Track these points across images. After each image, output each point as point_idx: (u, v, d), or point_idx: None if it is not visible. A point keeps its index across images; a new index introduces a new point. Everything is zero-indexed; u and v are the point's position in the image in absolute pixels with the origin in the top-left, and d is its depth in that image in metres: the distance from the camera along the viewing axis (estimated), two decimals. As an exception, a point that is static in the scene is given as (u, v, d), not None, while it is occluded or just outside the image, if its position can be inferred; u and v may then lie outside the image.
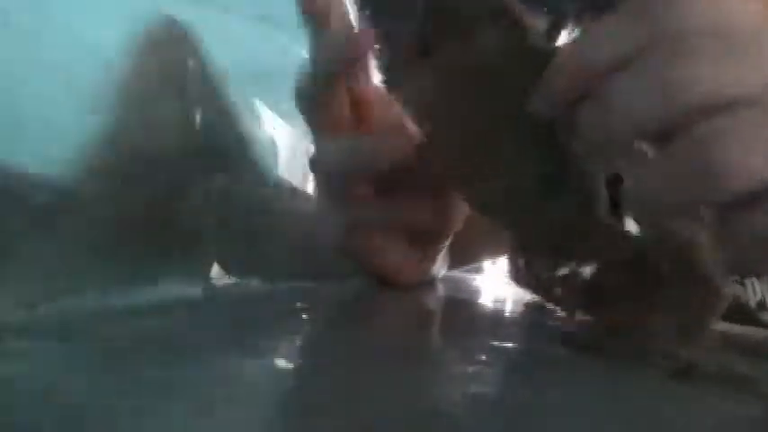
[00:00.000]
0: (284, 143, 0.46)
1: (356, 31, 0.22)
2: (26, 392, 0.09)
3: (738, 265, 0.21)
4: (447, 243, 0.33)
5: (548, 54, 0.18)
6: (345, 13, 0.22)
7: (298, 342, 0.17)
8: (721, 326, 0.29)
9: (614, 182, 0.20)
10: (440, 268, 0.46)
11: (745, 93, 0.16)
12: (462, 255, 0.56)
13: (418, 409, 0.10)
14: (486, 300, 0.38)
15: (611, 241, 0.20)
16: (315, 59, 0.23)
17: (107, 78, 0.26)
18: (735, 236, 0.17)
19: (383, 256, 0.28)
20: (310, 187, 0.48)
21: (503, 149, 0.20)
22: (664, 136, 0.16)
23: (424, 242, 0.31)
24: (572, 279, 0.21)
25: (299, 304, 0.26)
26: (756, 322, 0.50)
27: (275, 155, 0.46)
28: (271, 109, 0.43)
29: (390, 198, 0.25)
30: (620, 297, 0.20)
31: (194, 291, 0.23)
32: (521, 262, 0.27)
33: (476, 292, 0.45)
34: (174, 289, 0.22)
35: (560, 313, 0.23)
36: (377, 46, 0.21)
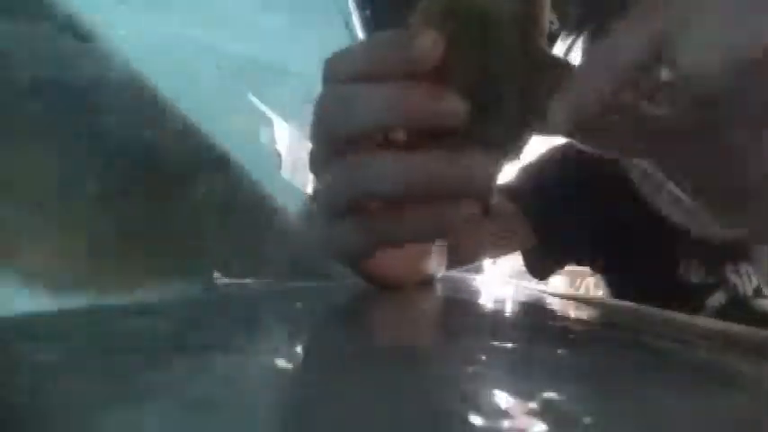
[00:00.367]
0: (284, 143, 0.46)
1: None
2: (27, 392, 0.09)
3: None
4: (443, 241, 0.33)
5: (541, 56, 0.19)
6: None
7: (298, 342, 0.17)
8: (721, 326, 0.29)
9: None
10: (439, 268, 0.46)
11: None
12: (462, 255, 0.56)
13: (418, 410, 0.10)
14: (486, 300, 0.38)
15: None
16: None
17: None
18: None
19: (378, 258, 0.28)
20: (310, 187, 0.48)
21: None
22: None
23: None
24: None
25: (298, 304, 0.26)
26: (753, 313, 0.51)
27: (277, 154, 0.46)
28: (271, 108, 0.43)
29: (398, 211, 0.23)
30: None
31: (194, 291, 0.23)
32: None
33: (476, 292, 0.45)
34: (175, 289, 0.22)
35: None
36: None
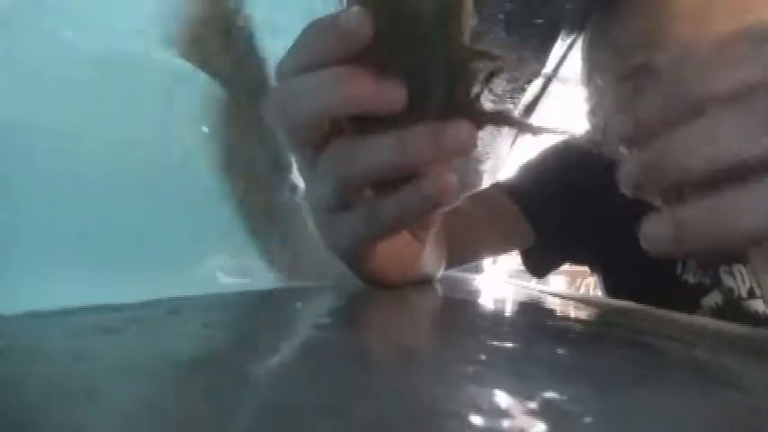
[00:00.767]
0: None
1: None
2: (28, 391, 0.09)
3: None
4: (433, 230, 0.33)
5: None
6: None
7: (298, 342, 0.17)
8: (721, 326, 0.29)
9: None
10: (438, 268, 0.46)
11: None
12: (462, 254, 0.56)
13: (418, 410, 0.10)
14: (486, 300, 0.38)
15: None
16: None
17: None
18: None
19: (376, 257, 0.28)
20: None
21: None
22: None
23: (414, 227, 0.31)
24: None
25: (298, 304, 0.26)
26: (746, 313, 0.51)
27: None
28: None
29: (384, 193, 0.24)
30: None
31: (195, 291, 0.23)
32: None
33: (476, 292, 0.45)
34: (176, 289, 0.22)
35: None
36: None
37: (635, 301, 0.40)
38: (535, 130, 0.23)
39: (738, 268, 0.54)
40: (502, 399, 0.11)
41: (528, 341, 0.19)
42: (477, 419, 0.09)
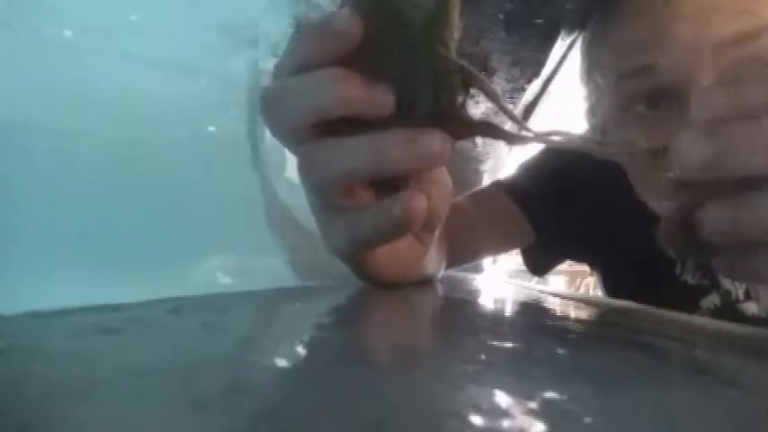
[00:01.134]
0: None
1: None
2: (28, 391, 0.09)
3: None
4: (437, 232, 0.33)
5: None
6: None
7: (298, 342, 0.17)
8: (721, 326, 0.29)
9: None
10: (439, 268, 0.46)
11: None
12: (462, 254, 0.56)
13: (418, 410, 0.10)
14: (486, 300, 0.38)
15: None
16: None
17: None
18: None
19: (376, 257, 0.28)
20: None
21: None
22: None
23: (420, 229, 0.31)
24: None
25: (298, 304, 0.26)
26: (743, 315, 0.51)
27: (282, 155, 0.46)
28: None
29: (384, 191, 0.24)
30: None
31: (195, 291, 0.23)
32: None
33: (476, 292, 0.45)
34: (176, 289, 0.22)
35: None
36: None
37: (635, 301, 0.40)
38: (524, 140, 0.22)
39: None
40: (502, 399, 0.11)
41: (528, 341, 0.19)
42: (477, 419, 0.09)
